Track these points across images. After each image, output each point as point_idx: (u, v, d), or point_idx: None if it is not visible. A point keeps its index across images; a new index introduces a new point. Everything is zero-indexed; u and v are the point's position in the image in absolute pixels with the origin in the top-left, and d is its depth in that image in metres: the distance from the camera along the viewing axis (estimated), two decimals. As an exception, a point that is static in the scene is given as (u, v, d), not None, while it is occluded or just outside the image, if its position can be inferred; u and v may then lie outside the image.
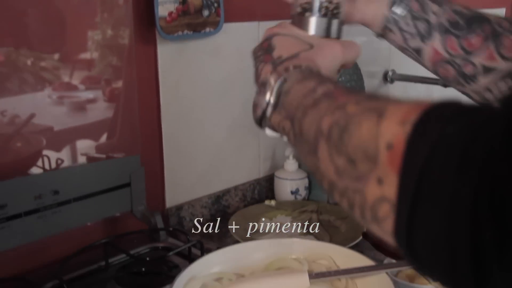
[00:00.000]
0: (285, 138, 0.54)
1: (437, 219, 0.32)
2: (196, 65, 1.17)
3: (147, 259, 0.98)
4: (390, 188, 0.35)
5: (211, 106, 1.23)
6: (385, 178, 0.36)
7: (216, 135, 1.26)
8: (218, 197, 1.28)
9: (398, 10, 0.68)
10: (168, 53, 1.12)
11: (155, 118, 1.13)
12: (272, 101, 0.53)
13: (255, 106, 0.56)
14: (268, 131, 0.56)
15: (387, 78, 1.65)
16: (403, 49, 0.71)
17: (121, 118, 1.06)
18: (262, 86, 0.55)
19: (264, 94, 0.54)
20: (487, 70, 0.67)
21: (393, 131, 0.36)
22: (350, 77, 1.23)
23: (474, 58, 0.67)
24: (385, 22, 0.69)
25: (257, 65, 0.60)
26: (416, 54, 0.70)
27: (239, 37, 1.24)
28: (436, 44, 0.68)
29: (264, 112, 0.54)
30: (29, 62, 0.93)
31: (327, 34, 0.63)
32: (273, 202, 1.26)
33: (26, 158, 0.96)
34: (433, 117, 0.35)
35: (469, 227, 0.31)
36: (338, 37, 0.64)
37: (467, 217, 0.31)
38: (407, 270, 0.90)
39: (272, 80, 0.54)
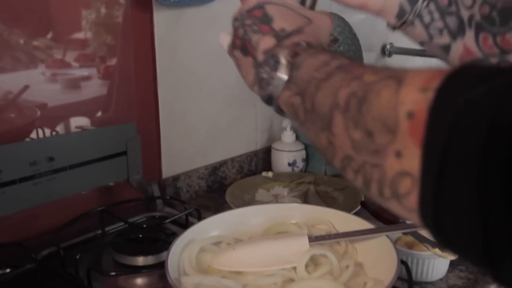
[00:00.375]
0: (288, 117, 0.52)
1: (466, 194, 0.30)
2: (193, 34, 1.15)
3: (144, 226, 0.97)
4: (412, 161, 0.33)
5: (208, 75, 1.21)
6: (405, 150, 0.34)
7: (212, 105, 1.24)
8: (215, 168, 1.27)
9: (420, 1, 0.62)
10: (164, 20, 1.10)
11: (151, 87, 1.12)
12: (285, 78, 0.50)
13: (262, 81, 0.52)
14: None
15: (385, 51, 1.64)
16: (425, 45, 0.65)
17: (116, 94, 1.04)
18: (270, 60, 0.52)
19: (276, 69, 0.51)
20: None
21: (414, 99, 0.34)
22: (349, 47, 1.22)
23: (510, 56, 0.60)
24: (402, 13, 0.62)
25: (249, 35, 0.56)
26: (443, 51, 0.64)
27: (237, 5, 1.22)
28: (468, 41, 0.61)
29: (275, 89, 0.51)
30: (21, 41, 0.91)
31: (302, 2, 0.62)
32: (270, 174, 1.25)
33: (21, 128, 0.95)
34: (457, 82, 0.32)
35: (501, 202, 0.28)
36: (313, 7, 0.63)
37: (499, 192, 0.28)
38: (406, 237, 0.89)
39: (283, 55, 0.51)
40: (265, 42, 0.54)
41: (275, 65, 0.51)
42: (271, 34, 0.54)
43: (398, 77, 0.36)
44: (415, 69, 0.37)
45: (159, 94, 1.12)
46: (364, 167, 0.38)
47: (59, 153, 0.94)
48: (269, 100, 0.52)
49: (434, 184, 0.31)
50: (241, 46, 0.58)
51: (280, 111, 0.53)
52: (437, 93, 0.32)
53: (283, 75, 0.50)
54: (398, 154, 0.34)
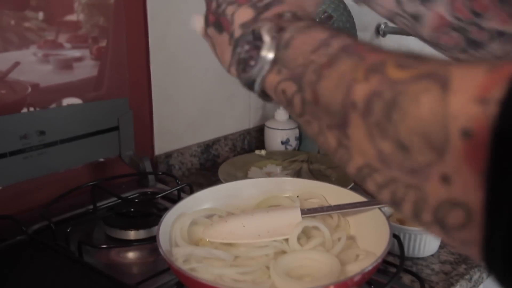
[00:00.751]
0: (278, 104, 0.45)
1: None
2: (185, 11, 1.14)
3: (136, 201, 0.97)
4: (466, 191, 0.27)
5: (201, 53, 1.20)
6: (456, 176, 0.28)
7: (205, 83, 1.23)
8: (207, 146, 1.26)
9: None
10: (157, -4, 1.09)
11: (144, 65, 1.10)
12: (270, 57, 0.42)
13: (241, 62, 0.45)
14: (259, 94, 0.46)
15: (379, 31, 1.63)
16: (393, 15, 0.58)
17: (109, 74, 1.03)
18: (249, 37, 0.44)
19: (257, 48, 0.43)
20: (500, 34, 0.55)
21: (470, 113, 0.27)
22: (343, 25, 1.21)
23: (485, 22, 0.55)
24: None
25: (223, 8, 0.49)
26: (413, 21, 0.57)
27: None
28: (440, 8, 0.55)
29: (259, 72, 0.43)
30: (12, 22, 0.89)
31: None
32: (263, 152, 1.25)
33: (12, 104, 0.93)
34: None
35: None
36: None
37: None
38: (398, 213, 0.89)
39: (265, 30, 0.43)
40: (242, 14, 0.47)
41: (256, 43, 0.43)
42: (248, 4, 0.47)
43: (439, 77, 0.29)
44: (458, 65, 0.30)
45: (151, 71, 1.11)
46: (394, 184, 0.32)
47: (50, 127, 0.92)
48: (250, 84, 0.45)
49: (509, 225, 0.25)
50: (214, 21, 0.51)
51: (264, 96, 0.46)
52: (504, 108, 0.25)
53: (268, 54, 0.43)
54: (446, 179, 0.28)
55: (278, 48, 0.42)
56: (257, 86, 0.44)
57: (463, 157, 0.27)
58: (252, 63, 0.44)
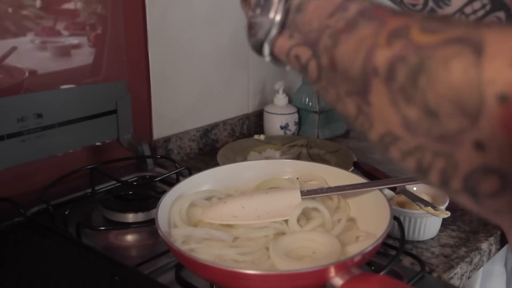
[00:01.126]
0: (289, 68, 0.44)
1: None
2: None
3: (134, 183, 0.96)
4: (502, 157, 0.27)
5: (200, 37, 1.19)
6: (491, 142, 0.27)
7: (204, 67, 1.22)
8: (206, 131, 1.25)
9: None
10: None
11: (142, 50, 1.09)
12: (277, 19, 0.42)
13: (252, 27, 0.45)
14: (269, 59, 0.46)
15: None
16: None
17: (107, 61, 1.02)
18: (261, 1, 0.44)
19: (266, 11, 0.43)
20: None
21: (507, 77, 0.26)
22: None
23: None
24: None
25: None
26: None
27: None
28: None
29: (267, 35, 0.43)
30: (10, 10, 0.88)
31: None
32: (262, 137, 1.24)
33: (9, 87, 0.92)
34: None
35: None
36: None
37: None
38: (399, 197, 0.89)
39: None
40: None
41: (266, 5, 0.43)
42: None
43: (471, 42, 0.29)
44: (491, 29, 0.29)
45: (150, 56, 1.10)
46: (421, 152, 0.32)
47: (47, 110, 0.92)
48: (258, 47, 0.45)
49: None
50: None
51: (275, 60, 0.46)
52: None
53: (275, 16, 0.42)
54: (479, 146, 0.28)
55: (289, 11, 0.42)
56: (265, 50, 0.44)
57: (499, 123, 0.26)
58: (260, 25, 0.43)
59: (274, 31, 0.43)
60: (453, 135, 0.29)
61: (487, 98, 0.27)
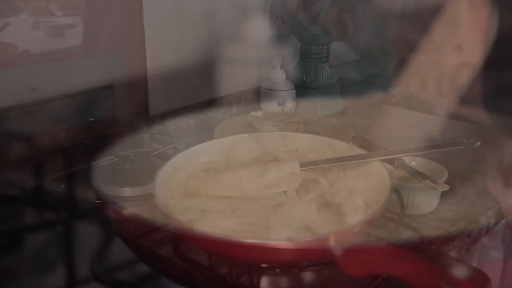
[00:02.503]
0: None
1: None
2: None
3: (131, 158, 0.95)
4: (472, 52, 0.33)
5: (197, 11, 1.18)
6: (465, 43, 0.33)
7: (201, 43, 1.21)
8: (203, 107, 1.24)
9: None
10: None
11: (138, 24, 1.08)
12: None
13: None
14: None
15: None
16: None
17: (102, 40, 1.00)
18: None
19: None
20: None
21: None
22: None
23: None
24: None
25: None
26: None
27: None
28: None
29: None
30: None
31: None
32: (259, 113, 1.23)
33: (2, 62, 0.91)
34: None
35: None
36: None
37: None
38: (397, 171, 0.88)
39: None
40: None
41: None
42: None
43: None
44: None
45: (145, 31, 1.08)
46: (421, 67, 0.38)
47: (42, 83, 0.90)
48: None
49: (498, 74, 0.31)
50: None
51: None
52: None
53: None
54: (459, 47, 0.34)
55: None
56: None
57: (471, 24, 0.32)
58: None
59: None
60: (441, 44, 0.35)
61: (461, 8, 0.33)
